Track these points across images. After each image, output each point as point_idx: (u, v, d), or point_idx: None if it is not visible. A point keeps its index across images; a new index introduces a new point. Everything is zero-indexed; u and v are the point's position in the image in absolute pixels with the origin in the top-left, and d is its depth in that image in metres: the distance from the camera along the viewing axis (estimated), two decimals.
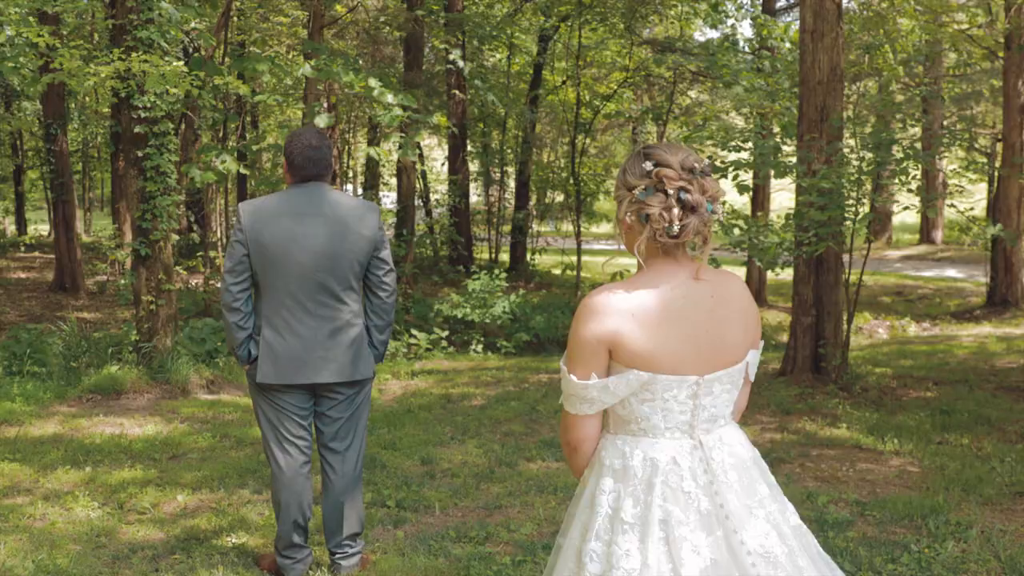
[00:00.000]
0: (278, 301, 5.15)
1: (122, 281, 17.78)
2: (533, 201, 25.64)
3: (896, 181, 10.40)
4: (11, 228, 32.01)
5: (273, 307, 5.17)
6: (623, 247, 2.99)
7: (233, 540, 6.03)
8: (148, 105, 10.61)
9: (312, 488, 5.45)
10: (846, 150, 10.35)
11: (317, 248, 5.10)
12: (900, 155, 10.27)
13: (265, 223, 5.09)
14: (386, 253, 5.30)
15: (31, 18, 11.79)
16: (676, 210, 2.77)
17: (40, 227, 36.05)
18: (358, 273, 5.23)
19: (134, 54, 10.31)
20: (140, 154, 10.79)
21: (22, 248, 27.16)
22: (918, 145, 10.94)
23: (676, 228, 2.77)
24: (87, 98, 29.25)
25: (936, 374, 11.48)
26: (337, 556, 5.42)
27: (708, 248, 2.88)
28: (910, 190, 10.17)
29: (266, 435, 5.34)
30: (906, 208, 10.69)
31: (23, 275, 22.06)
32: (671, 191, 2.78)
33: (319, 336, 5.16)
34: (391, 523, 6.35)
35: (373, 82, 12.08)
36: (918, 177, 10.34)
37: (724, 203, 11.31)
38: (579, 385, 2.86)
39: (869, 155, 10.19)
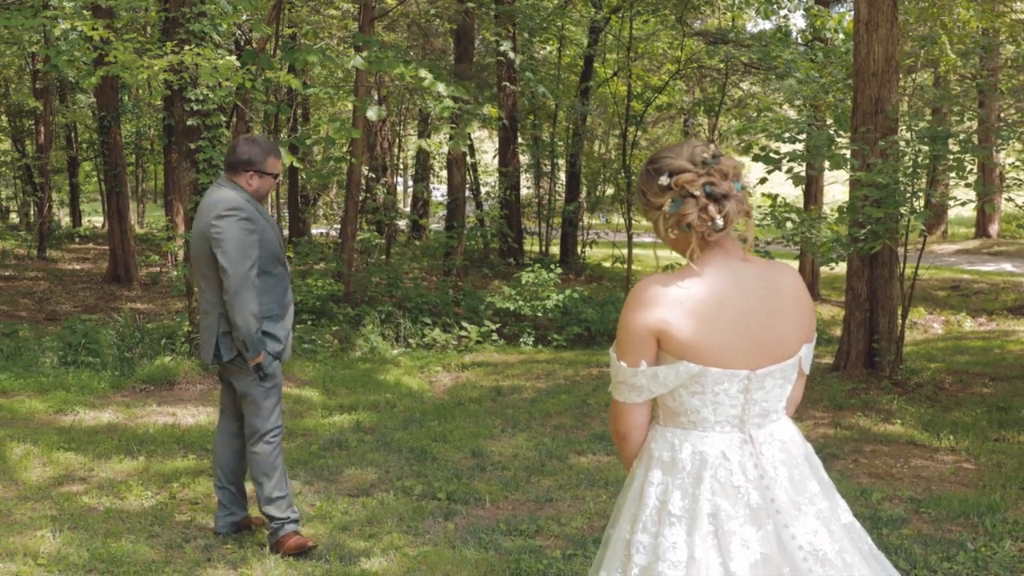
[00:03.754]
0: None
1: (174, 272, 17.94)
2: (584, 194, 25.58)
3: (952, 175, 10.26)
4: (66, 220, 32.37)
5: None
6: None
7: None
8: (200, 98, 10.67)
9: (237, 457, 5.94)
10: (901, 143, 10.23)
11: (192, 239, 5.72)
12: (956, 149, 10.13)
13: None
14: (218, 248, 5.45)
15: (85, 11, 11.91)
16: (712, 206, 2.77)
17: (94, 219, 36.47)
18: (207, 263, 5.55)
19: (187, 47, 10.37)
20: (192, 146, 10.87)
21: (77, 240, 27.47)
22: (975, 138, 10.76)
23: (720, 222, 2.77)
24: (140, 91, 29.53)
25: (992, 370, 11.33)
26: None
27: (751, 223, 2.89)
28: (967, 184, 10.02)
29: None
30: (963, 204, 10.54)
31: (78, 266, 22.32)
32: (697, 192, 2.77)
33: (199, 317, 5.87)
34: (442, 515, 6.34)
35: (424, 73, 12.08)
36: (974, 171, 10.19)
37: (776, 196, 11.23)
38: (628, 372, 2.85)
39: (924, 148, 10.06)
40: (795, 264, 19.02)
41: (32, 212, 28.00)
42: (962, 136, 10.22)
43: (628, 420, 2.97)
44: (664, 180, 2.81)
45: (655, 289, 2.80)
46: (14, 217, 31.05)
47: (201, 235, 5.54)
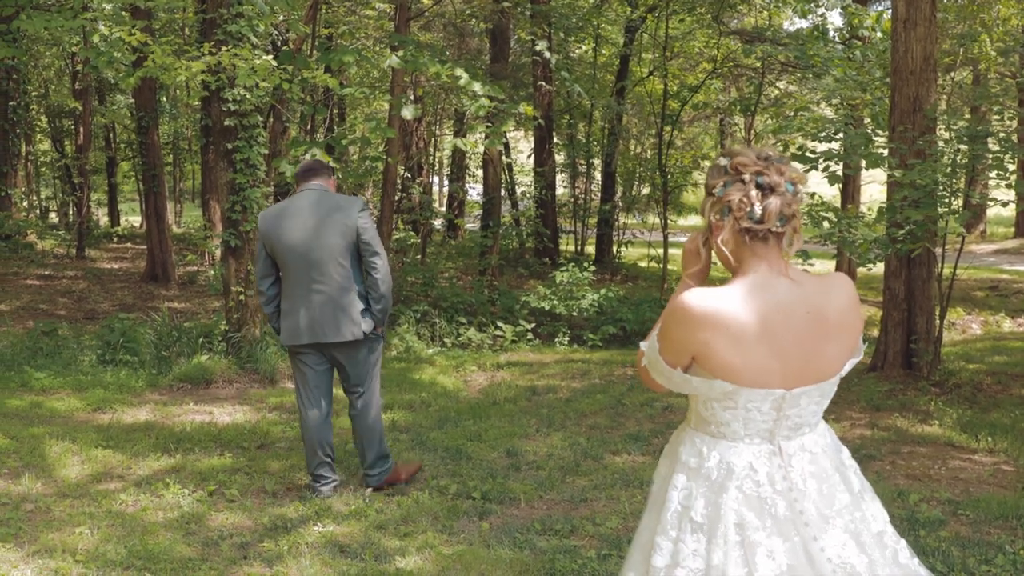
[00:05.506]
0: (287, 280, 6.60)
1: (212, 272, 18.06)
2: (619, 193, 25.53)
3: (992, 175, 10.16)
4: (104, 219, 32.60)
5: (286, 285, 6.62)
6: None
7: (320, 528, 6.08)
8: (237, 98, 10.72)
9: (331, 429, 6.82)
10: (940, 142, 10.14)
11: (306, 235, 6.48)
12: (996, 148, 10.04)
13: (273, 222, 6.58)
14: (368, 237, 6.52)
15: (124, 13, 11.99)
16: (755, 192, 2.76)
17: (132, 218, 36.71)
18: (343, 253, 6.50)
19: (224, 48, 10.42)
20: (230, 146, 10.92)
21: (115, 239, 27.66)
22: (1014, 137, 10.66)
23: (758, 210, 2.75)
24: (178, 91, 29.73)
25: None
26: (366, 477, 6.89)
27: (798, 240, 2.84)
28: (1008, 185, 9.92)
29: (296, 387, 6.86)
30: (1004, 204, 10.44)
31: (116, 266, 22.48)
32: (748, 177, 2.78)
33: (314, 305, 6.49)
34: (476, 515, 6.35)
35: (460, 72, 12.09)
36: (1014, 171, 10.10)
37: (813, 195, 11.16)
38: (666, 369, 2.87)
39: (963, 148, 9.97)
40: (832, 264, 18.91)
41: (71, 212, 28.22)
42: (1002, 135, 10.12)
43: (655, 387, 3.04)
44: (723, 161, 2.85)
45: (698, 308, 2.76)
46: (53, 217, 31.30)
47: (334, 227, 6.47)
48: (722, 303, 2.75)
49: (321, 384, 6.74)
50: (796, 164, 3.01)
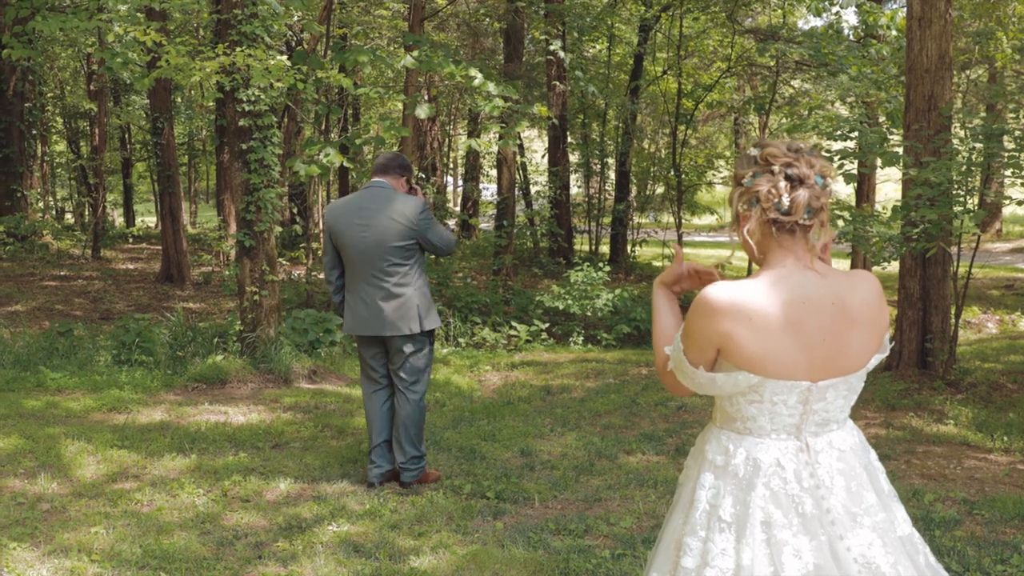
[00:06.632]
0: (351, 274, 6.88)
1: (227, 272, 18.11)
2: (633, 193, 25.52)
3: (1008, 173, 10.12)
4: (119, 220, 32.72)
5: (349, 278, 6.91)
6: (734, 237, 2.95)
7: (334, 528, 6.09)
8: (252, 99, 10.74)
9: (386, 415, 7.02)
10: (955, 141, 10.10)
11: (366, 232, 6.75)
12: (1012, 146, 9.99)
13: (338, 217, 6.89)
14: (431, 235, 6.84)
15: (139, 14, 12.02)
16: (783, 183, 2.74)
17: (147, 219, 36.84)
18: (402, 252, 6.76)
19: (238, 48, 10.44)
20: (244, 147, 10.94)
21: (130, 240, 27.74)
22: None
23: (786, 201, 2.73)
24: (193, 92, 29.82)
25: None
26: (402, 471, 6.98)
27: (825, 233, 2.81)
28: None
29: (361, 371, 7.19)
30: (1019, 203, 10.41)
31: (131, 266, 22.54)
32: (777, 168, 2.76)
33: (373, 299, 6.78)
34: (490, 514, 6.35)
35: (474, 72, 12.10)
36: None
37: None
38: (690, 369, 2.86)
39: (979, 146, 9.93)
40: (847, 263, 18.86)
41: (87, 212, 28.34)
42: (1018, 133, 10.07)
43: (680, 391, 3.02)
44: (753, 151, 2.82)
45: (723, 300, 2.76)
46: (69, 218, 31.44)
47: (394, 227, 6.71)
48: (745, 294, 2.75)
49: (382, 371, 7.04)
50: None
